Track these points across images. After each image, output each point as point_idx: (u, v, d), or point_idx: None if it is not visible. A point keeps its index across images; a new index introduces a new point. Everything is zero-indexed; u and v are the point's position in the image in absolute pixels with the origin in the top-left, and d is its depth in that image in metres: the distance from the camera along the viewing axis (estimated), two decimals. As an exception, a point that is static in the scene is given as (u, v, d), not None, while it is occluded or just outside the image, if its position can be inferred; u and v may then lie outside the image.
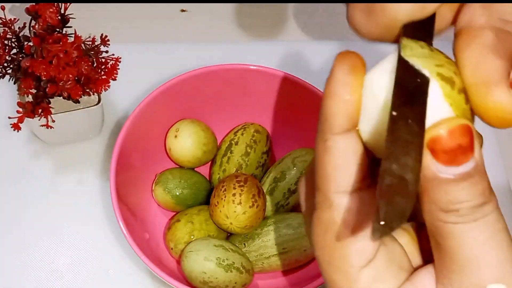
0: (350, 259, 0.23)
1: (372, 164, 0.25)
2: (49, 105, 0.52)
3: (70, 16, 0.52)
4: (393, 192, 0.20)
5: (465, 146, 0.22)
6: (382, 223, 0.19)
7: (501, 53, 0.23)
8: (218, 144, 0.61)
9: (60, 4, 0.51)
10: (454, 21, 0.25)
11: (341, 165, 0.23)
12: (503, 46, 0.23)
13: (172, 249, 0.55)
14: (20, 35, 0.51)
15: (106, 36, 0.53)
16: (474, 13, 0.24)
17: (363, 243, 0.23)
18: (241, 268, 0.52)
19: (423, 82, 0.22)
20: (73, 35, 0.50)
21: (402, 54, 0.23)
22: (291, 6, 0.76)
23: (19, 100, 0.53)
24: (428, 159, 0.22)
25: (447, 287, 0.23)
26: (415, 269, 0.25)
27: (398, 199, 0.20)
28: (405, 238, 0.26)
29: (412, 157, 0.21)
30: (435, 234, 0.23)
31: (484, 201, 0.22)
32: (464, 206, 0.22)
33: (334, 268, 0.24)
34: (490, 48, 0.23)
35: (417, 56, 0.23)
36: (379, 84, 0.23)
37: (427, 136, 0.22)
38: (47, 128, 0.52)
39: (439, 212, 0.23)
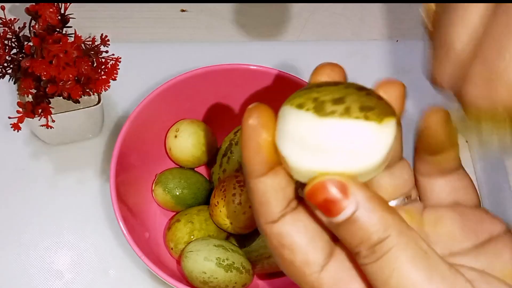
0: (302, 271, 0.25)
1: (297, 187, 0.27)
2: (49, 105, 0.52)
3: (70, 16, 0.52)
4: None
5: (332, 199, 0.23)
6: None
7: None
8: (218, 144, 0.61)
9: (60, 4, 0.51)
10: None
11: (264, 202, 0.26)
12: None
13: (172, 249, 0.55)
14: (20, 35, 0.51)
15: (106, 36, 0.53)
16: None
17: (304, 255, 0.25)
18: (241, 268, 0.52)
19: None
20: (73, 35, 0.50)
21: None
22: (291, 6, 0.76)
23: (19, 100, 0.53)
24: (316, 211, 0.24)
25: None
26: None
27: None
28: None
29: None
30: None
31: (378, 239, 0.23)
32: (362, 249, 0.24)
33: (299, 281, 0.26)
34: None
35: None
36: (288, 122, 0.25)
37: (304, 193, 0.24)
38: (47, 128, 0.52)
39: (354, 253, 0.24)
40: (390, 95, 0.26)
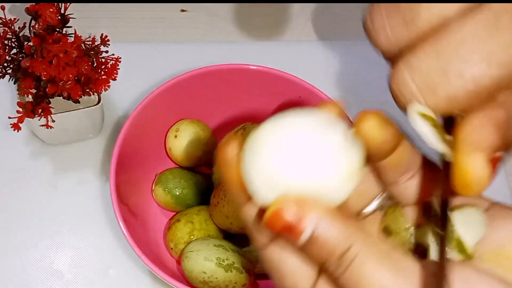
0: None
1: None
2: (49, 105, 0.52)
3: (70, 16, 0.52)
4: None
5: (289, 225, 0.24)
6: None
7: (502, 133, 0.24)
8: (218, 144, 0.61)
9: (60, 4, 0.51)
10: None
11: (252, 228, 0.26)
12: (508, 129, 0.24)
13: (172, 249, 0.55)
14: (20, 35, 0.51)
15: (106, 36, 0.53)
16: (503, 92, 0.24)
17: (293, 281, 0.26)
18: (241, 268, 0.52)
19: None
20: (73, 35, 0.50)
21: None
22: (291, 6, 0.76)
23: (19, 100, 0.53)
24: (280, 237, 0.25)
25: None
26: None
27: None
28: None
29: None
30: None
31: (342, 250, 0.24)
32: (329, 263, 0.24)
33: None
34: (496, 123, 0.24)
35: None
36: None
37: (263, 223, 0.24)
38: (47, 128, 0.52)
39: (324, 269, 0.25)
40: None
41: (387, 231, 0.28)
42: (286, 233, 0.24)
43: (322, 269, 0.26)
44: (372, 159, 0.27)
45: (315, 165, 0.24)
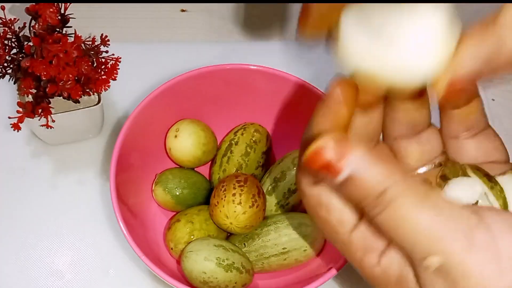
0: (336, 229, 0.27)
1: None
2: (49, 105, 0.52)
3: (70, 16, 0.52)
4: None
5: (329, 163, 0.24)
6: None
7: (482, 60, 0.25)
8: (218, 144, 0.61)
9: (60, 4, 0.51)
10: None
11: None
12: (495, 59, 0.25)
13: (172, 249, 0.55)
14: (20, 35, 0.52)
15: (106, 36, 0.53)
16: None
17: (339, 215, 0.27)
18: (241, 268, 0.52)
19: None
20: (73, 35, 0.50)
21: None
22: (291, 6, 0.76)
23: (19, 100, 0.53)
24: (319, 174, 0.25)
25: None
26: None
27: None
28: None
29: None
30: None
31: (380, 191, 0.24)
32: (366, 203, 0.24)
33: (332, 239, 0.28)
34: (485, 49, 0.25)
35: None
36: None
37: (303, 160, 0.25)
38: (47, 128, 0.52)
39: (361, 208, 0.25)
40: None
41: (444, 178, 0.28)
42: (324, 171, 0.24)
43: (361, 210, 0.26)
44: (446, 106, 0.29)
45: (407, 40, 0.23)
